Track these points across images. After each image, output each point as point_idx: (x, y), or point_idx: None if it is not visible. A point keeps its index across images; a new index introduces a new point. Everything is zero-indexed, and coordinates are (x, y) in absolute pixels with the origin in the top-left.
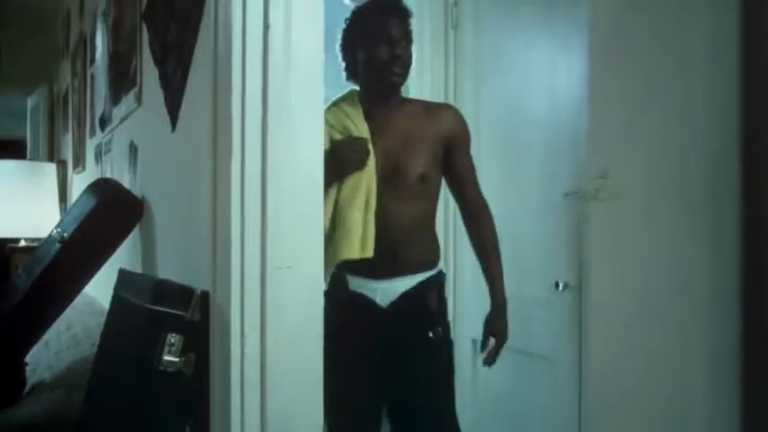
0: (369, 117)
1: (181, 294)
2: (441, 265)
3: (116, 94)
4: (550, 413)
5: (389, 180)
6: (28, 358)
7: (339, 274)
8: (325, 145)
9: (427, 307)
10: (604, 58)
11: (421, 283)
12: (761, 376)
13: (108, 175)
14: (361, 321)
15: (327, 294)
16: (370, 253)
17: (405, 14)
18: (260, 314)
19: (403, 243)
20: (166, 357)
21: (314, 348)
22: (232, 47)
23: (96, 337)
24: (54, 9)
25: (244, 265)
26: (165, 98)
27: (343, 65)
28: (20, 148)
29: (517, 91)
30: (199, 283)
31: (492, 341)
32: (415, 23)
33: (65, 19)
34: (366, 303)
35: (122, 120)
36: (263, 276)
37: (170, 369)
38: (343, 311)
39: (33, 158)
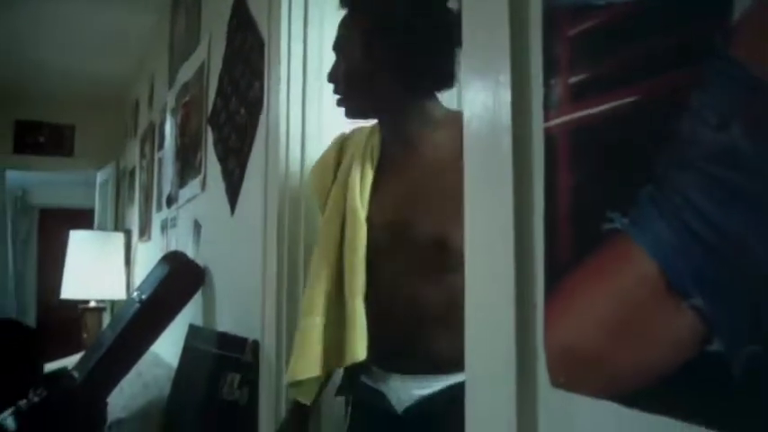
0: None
1: (237, 342)
2: None
3: (182, 179)
4: None
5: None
6: (108, 399)
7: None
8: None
9: (453, 421)
10: None
11: (451, 389)
12: None
13: (173, 246)
14: (372, 428)
15: (340, 388)
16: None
17: None
18: None
19: (425, 332)
20: (227, 390)
21: None
22: (279, 156)
23: (163, 384)
24: (124, 98)
25: (285, 319)
26: (226, 188)
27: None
28: (89, 217)
29: None
30: (251, 334)
31: None
32: None
33: (133, 107)
34: (378, 404)
35: (188, 200)
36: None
37: (230, 398)
38: (358, 412)
39: (101, 226)
